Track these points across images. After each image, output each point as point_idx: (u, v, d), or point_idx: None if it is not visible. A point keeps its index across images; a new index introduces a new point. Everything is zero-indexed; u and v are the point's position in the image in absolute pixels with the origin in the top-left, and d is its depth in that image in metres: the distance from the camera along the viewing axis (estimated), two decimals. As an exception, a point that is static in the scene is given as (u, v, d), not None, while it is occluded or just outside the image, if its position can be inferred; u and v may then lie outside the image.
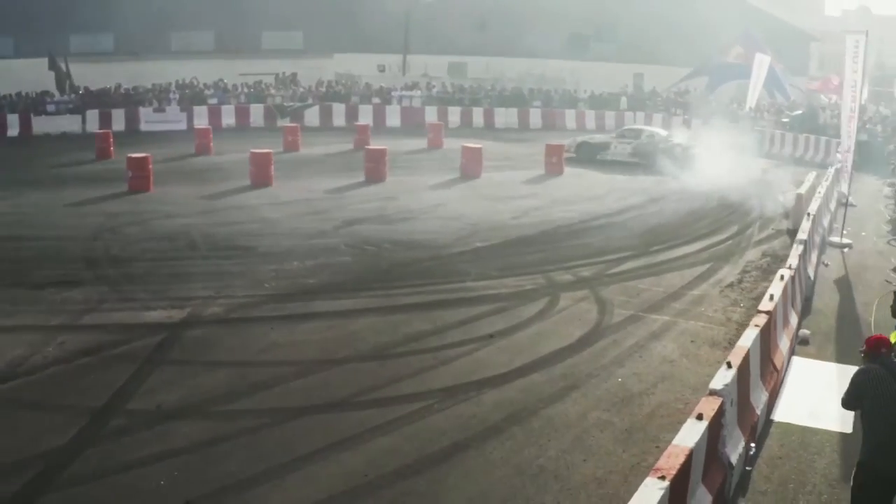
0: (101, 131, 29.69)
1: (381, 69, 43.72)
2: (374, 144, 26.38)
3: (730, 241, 17.26)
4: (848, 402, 6.09)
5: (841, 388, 6.18)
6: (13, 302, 12.73)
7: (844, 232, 17.66)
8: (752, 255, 16.26)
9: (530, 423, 8.72)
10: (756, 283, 14.24)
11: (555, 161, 25.58)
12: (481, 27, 44.10)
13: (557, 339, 11.22)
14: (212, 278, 14.19)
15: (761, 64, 34.49)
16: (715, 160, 23.38)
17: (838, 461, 7.94)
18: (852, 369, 6.22)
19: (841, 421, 8.45)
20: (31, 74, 35.90)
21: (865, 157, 25.68)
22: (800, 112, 33.69)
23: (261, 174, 22.55)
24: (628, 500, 6.07)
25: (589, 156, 28.05)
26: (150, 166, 22.29)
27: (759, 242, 17.35)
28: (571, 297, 13.02)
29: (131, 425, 8.71)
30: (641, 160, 27.31)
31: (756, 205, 20.77)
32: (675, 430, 7.73)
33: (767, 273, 14.68)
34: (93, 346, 10.97)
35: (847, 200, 19.29)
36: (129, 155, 22.45)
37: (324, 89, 38.90)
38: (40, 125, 34.29)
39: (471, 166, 24.45)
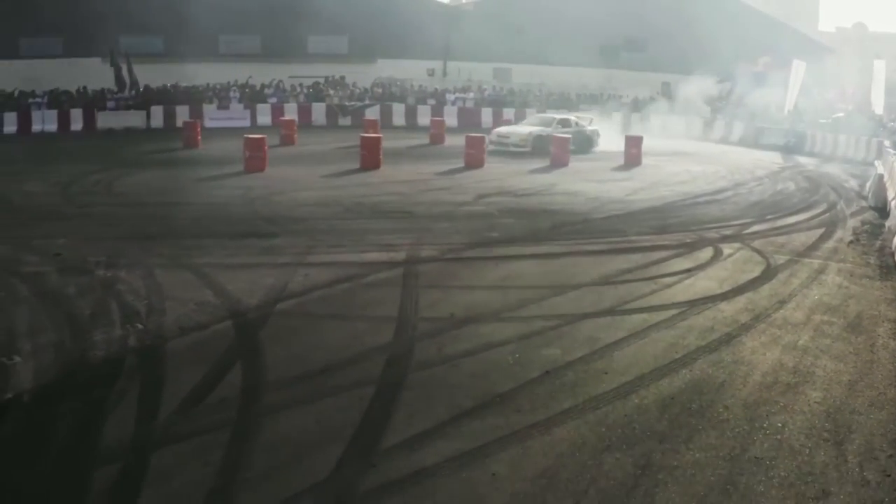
0: (191, 121, 31.15)
1: (431, 73, 45.62)
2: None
3: (827, 214, 19.21)
4: None
5: None
6: (223, 248, 14.25)
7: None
8: (853, 223, 18.30)
9: (771, 321, 10.70)
10: (871, 241, 16.33)
11: (633, 153, 27.37)
12: (518, 36, 46.05)
13: (744, 273, 13.15)
14: (398, 232, 15.83)
15: (798, 69, 36.67)
16: None
17: None
18: None
19: None
20: (81, 73, 37.17)
21: None
22: (840, 115, 35.95)
23: (371, 157, 24.46)
24: (885, 364, 8.43)
25: (543, 147, 28.37)
26: (266, 147, 23.65)
27: (853, 215, 19.37)
28: (731, 248, 14.93)
29: (439, 328, 10.23)
30: (577, 147, 28.94)
31: (829, 188, 22.82)
32: (886, 326, 10.10)
33: (874, 236, 16.80)
34: (341, 277, 12.49)
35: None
36: (247, 136, 24.03)
37: (380, 90, 40.55)
38: (103, 120, 35.63)
39: (560, 155, 26.46)
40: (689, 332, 9.98)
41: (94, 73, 38.68)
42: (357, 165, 25.13)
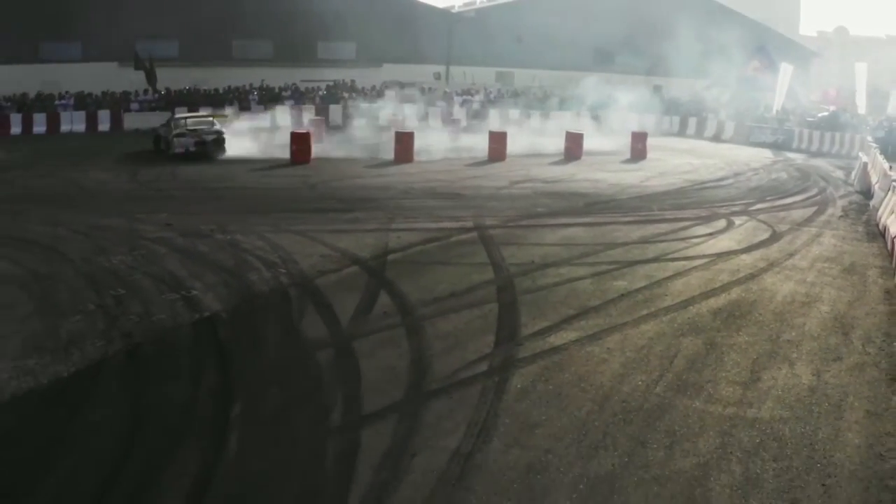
0: (228, 120, 33.65)
1: (437, 77, 48.58)
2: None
3: (819, 196, 22.19)
4: None
5: None
6: (313, 219, 16.74)
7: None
8: (842, 203, 21.19)
9: (783, 266, 13.65)
10: (858, 216, 19.21)
11: (640, 147, 30.40)
12: (517, 41, 49.17)
13: (755, 236, 16.05)
14: (457, 209, 18.31)
15: (786, 72, 40.10)
16: None
17: None
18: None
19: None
20: (99, 77, 39.74)
21: (884, 149, 31.18)
22: (825, 114, 39.35)
23: (405, 151, 27.15)
24: (875, 292, 11.46)
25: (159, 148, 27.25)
26: (311, 142, 26.50)
27: (841, 197, 22.33)
28: (740, 220, 17.76)
29: (526, 269, 12.89)
30: (199, 149, 27.00)
31: (818, 177, 26.06)
32: (874, 270, 13.04)
33: (860, 213, 19.71)
34: (428, 238, 15.08)
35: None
36: (294, 130, 26.91)
37: (393, 93, 43.48)
38: (129, 121, 37.90)
39: (573, 149, 29.26)
40: (721, 272, 12.97)
41: (111, 77, 40.91)
42: (391, 159, 27.46)
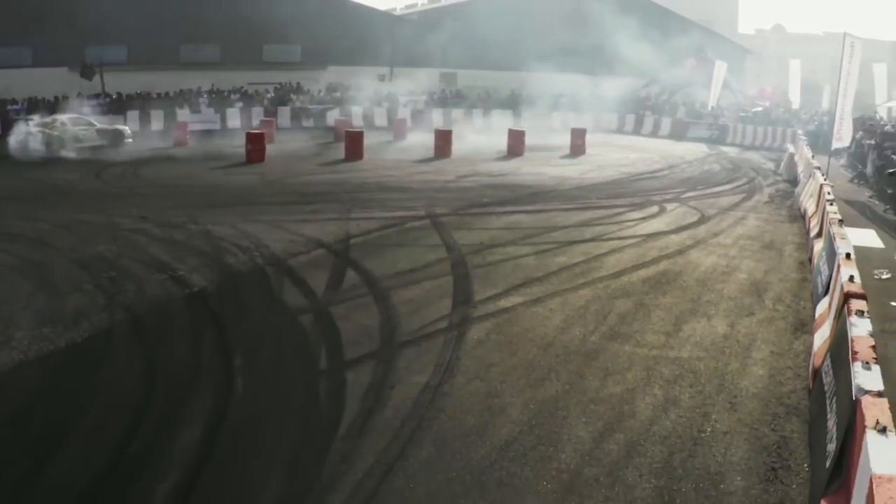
0: (180, 122, 34.85)
1: (382, 78, 50.02)
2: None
3: (748, 184, 24.02)
4: None
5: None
6: (275, 211, 17.85)
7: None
8: (769, 190, 23.02)
9: (708, 244, 15.27)
10: (783, 202, 21.04)
11: (579, 143, 32.20)
12: (460, 43, 50.82)
13: (685, 219, 17.62)
14: (409, 200, 19.61)
15: (720, 69, 42.43)
16: None
17: None
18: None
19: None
20: (49, 82, 40.50)
21: (814, 142, 33.55)
22: (759, 109, 41.71)
23: (355, 149, 28.48)
24: (790, 263, 13.26)
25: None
26: (265, 141, 27.86)
27: (769, 185, 24.16)
28: (672, 206, 19.44)
29: (476, 249, 14.17)
30: (20, 145, 27.27)
31: (749, 168, 28.12)
32: (791, 245, 14.67)
33: (785, 199, 21.55)
34: (386, 225, 16.38)
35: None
36: (249, 131, 28.21)
37: (339, 94, 44.87)
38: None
39: (516, 146, 30.76)
40: (651, 249, 14.60)
41: (62, 82, 41.56)
42: (341, 157, 28.73)
